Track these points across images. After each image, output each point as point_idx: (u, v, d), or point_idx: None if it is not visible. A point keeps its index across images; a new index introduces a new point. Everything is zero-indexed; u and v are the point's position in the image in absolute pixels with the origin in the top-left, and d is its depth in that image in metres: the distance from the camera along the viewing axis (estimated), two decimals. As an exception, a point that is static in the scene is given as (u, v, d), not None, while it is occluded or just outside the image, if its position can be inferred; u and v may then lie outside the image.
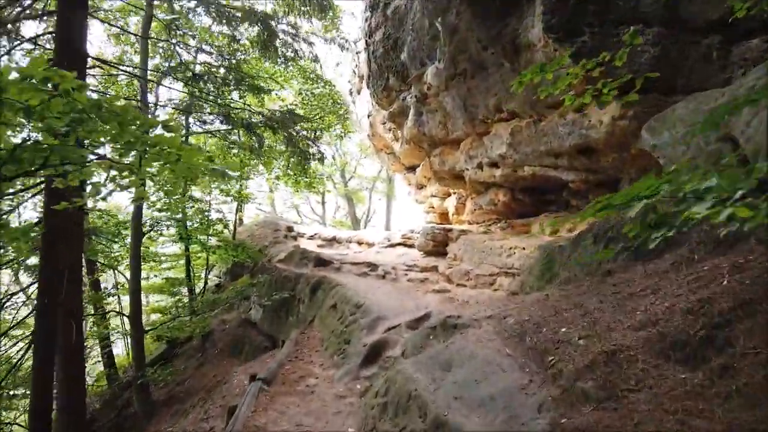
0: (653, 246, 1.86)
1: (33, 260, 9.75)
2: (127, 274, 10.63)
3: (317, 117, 13.27)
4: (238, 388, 6.71)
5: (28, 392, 8.33)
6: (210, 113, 11.74)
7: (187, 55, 12.19)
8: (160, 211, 9.87)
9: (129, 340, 12.49)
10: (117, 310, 13.34)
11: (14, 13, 7.98)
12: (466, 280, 8.58)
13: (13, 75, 2.38)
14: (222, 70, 11.50)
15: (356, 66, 17.12)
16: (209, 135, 13.49)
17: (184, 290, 13.29)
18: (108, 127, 2.81)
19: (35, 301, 6.74)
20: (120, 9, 12.44)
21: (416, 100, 10.53)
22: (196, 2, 11.31)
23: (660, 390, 2.75)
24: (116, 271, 12.51)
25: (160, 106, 12.01)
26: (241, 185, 14.38)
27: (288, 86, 14.90)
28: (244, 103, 12.38)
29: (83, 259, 11.46)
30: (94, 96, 5.05)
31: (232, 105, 11.39)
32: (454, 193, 12.98)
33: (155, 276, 13.52)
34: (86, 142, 3.26)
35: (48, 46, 8.42)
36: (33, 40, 7.63)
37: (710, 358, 2.74)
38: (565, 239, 6.46)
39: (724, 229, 2.57)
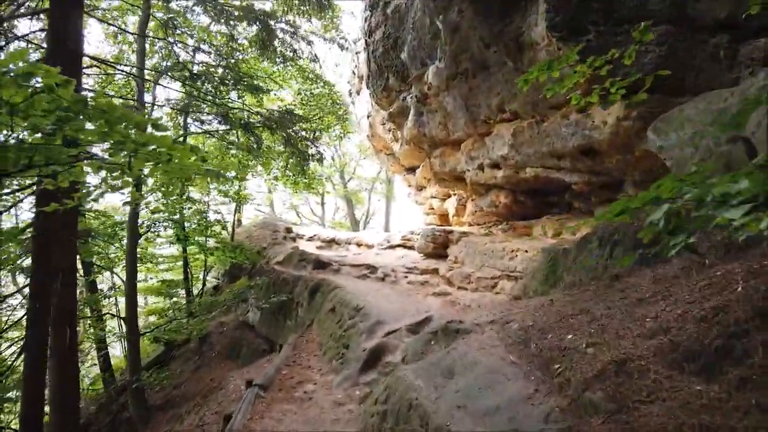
0: (673, 253, 1.73)
1: (29, 261, 9.63)
2: (124, 275, 10.50)
3: (316, 117, 13.14)
4: (234, 393, 6.57)
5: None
6: (208, 113, 11.61)
7: (185, 54, 12.07)
8: (153, 212, 9.73)
9: (125, 343, 12.34)
10: (114, 312, 13.21)
11: (8, 11, 7.86)
12: (467, 283, 8.44)
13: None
14: (220, 70, 11.37)
15: (356, 66, 17.01)
16: (207, 135, 13.36)
17: (182, 292, 13.17)
18: (96, 125, 2.69)
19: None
20: (118, 8, 12.31)
21: (416, 100, 10.40)
22: (194, 1, 11.19)
23: (674, 403, 2.62)
24: (113, 273, 12.37)
25: (158, 105, 11.88)
26: (239, 186, 14.27)
27: (287, 86, 14.78)
28: (243, 104, 12.27)
29: (79, 261, 11.36)
30: (90, 95, 4.93)
31: (230, 105, 11.26)
32: (455, 194, 12.85)
33: (151, 278, 13.38)
34: (77, 142, 3.14)
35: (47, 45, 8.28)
36: (25, 37, 7.49)
37: (727, 369, 2.61)
38: (568, 242, 6.34)
39: (741, 233, 2.46)
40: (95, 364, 13.80)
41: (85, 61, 12.50)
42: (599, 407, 2.87)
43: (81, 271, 12.16)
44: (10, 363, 9.23)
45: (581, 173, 7.21)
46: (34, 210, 8.10)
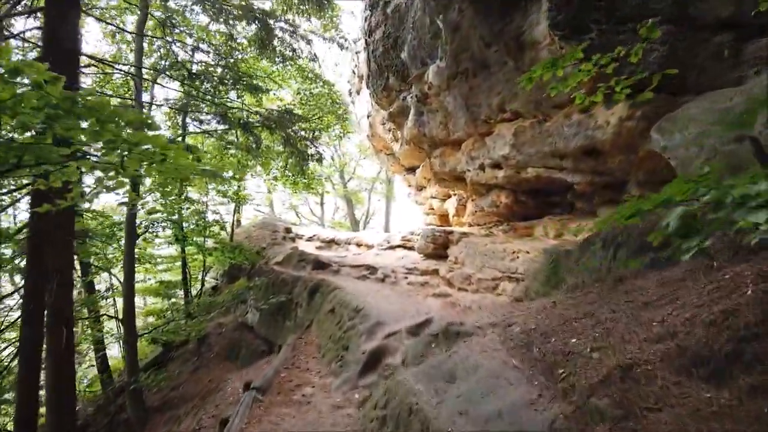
0: (687, 257, 1.65)
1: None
2: (121, 276, 10.41)
3: (316, 117, 13.06)
4: (232, 396, 6.49)
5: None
6: (207, 113, 11.53)
7: (184, 54, 11.99)
8: (149, 213, 9.65)
9: (123, 344, 12.25)
10: (112, 313, 13.11)
11: (4, 9, 7.77)
12: (468, 285, 8.36)
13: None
14: (219, 69, 11.29)
15: (356, 66, 16.93)
16: (206, 135, 13.28)
17: (181, 293, 13.09)
18: (88, 124, 2.61)
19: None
20: (116, 7, 12.22)
21: (416, 99, 10.33)
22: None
23: (683, 410, 2.54)
24: (111, 274, 12.28)
25: (156, 105, 11.80)
26: (238, 186, 14.19)
27: (286, 86, 14.69)
28: (242, 103, 12.19)
29: (77, 262, 11.28)
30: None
31: (228, 104, 11.18)
32: (455, 194, 12.77)
33: (150, 278, 13.30)
34: (69, 141, 3.06)
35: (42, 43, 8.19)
36: (21, 35, 7.41)
37: (737, 375, 2.53)
38: (570, 243, 6.26)
39: (753, 235, 2.38)
40: (92, 365, 13.71)
41: (84, 60, 12.44)
42: (605, 414, 2.79)
43: (79, 272, 12.10)
44: (6, 364, 9.15)
45: (584, 173, 7.13)
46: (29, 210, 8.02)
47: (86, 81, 12.23)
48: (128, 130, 2.56)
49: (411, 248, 12.53)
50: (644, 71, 3.97)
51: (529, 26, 6.55)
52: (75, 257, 9.08)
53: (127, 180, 3.73)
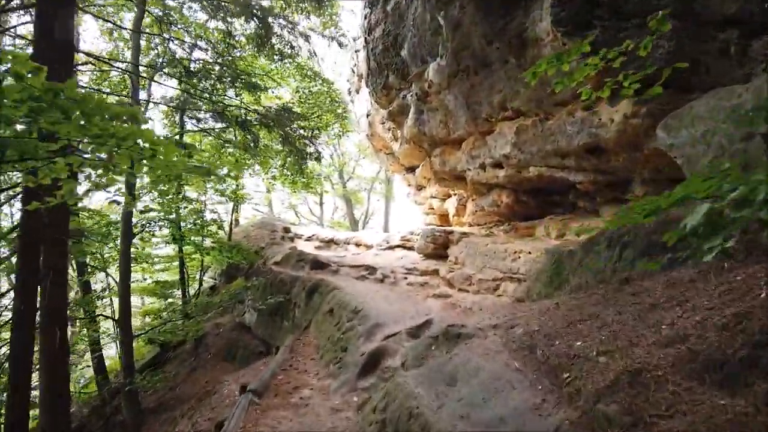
0: (709, 258, 1.54)
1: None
2: (118, 276, 10.29)
3: (315, 116, 12.94)
4: (228, 398, 6.37)
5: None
6: (205, 111, 11.42)
7: (182, 51, 11.87)
8: (143, 212, 9.52)
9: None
10: (108, 313, 12.99)
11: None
12: (468, 285, 8.25)
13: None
14: (217, 67, 11.17)
15: (355, 65, 16.81)
16: (204, 134, 13.16)
17: (178, 293, 12.97)
18: (74, 117, 2.50)
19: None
20: (113, 3, 12.10)
21: (416, 98, 10.22)
22: (190, -4, 11.00)
23: (695, 417, 2.43)
24: (107, 274, 12.16)
25: (154, 103, 11.67)
26: (237, 185, 14.07)
27: (285, 84, 14.57)
28: (241, 101, 12.07)
29: (73, 261, 11.15)
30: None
31: (226, 102, 11.05)
32: (455, 194, 12.66)
33: (146, 278, 13.18)
34: (55, 136, 2.95)
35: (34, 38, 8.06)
36: (14, 29, 7.28)
37: (753, 381, 2.41)
38: (573, 243, 6.15)
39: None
40: (89, 366, 13.59)
41: (82, 58, 12.32)
42: (613, 421, 2.68)
43: (76, 272, 11.99)
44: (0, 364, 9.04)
45: (587, 172, 7.02)
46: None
47: (83, 79, 12.12)
48: (115, 124, 2.44)
49: (410, 248, 12.42)
50: (645, 70, 3.86)
51: (531, 23, 6.44)
52: (70, 256, 8.96)
53: (118, 177, 3.62)
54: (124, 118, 2.28)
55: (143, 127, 2.37)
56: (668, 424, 2.47)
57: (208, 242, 12.38)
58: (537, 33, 6.36)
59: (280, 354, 7.24)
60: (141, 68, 10.33)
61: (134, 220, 10.10)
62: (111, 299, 13.50)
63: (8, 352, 8.93)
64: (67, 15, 6.49)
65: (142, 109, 10.39)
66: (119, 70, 10.50)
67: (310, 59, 12.71)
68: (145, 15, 10.78)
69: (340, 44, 12.77)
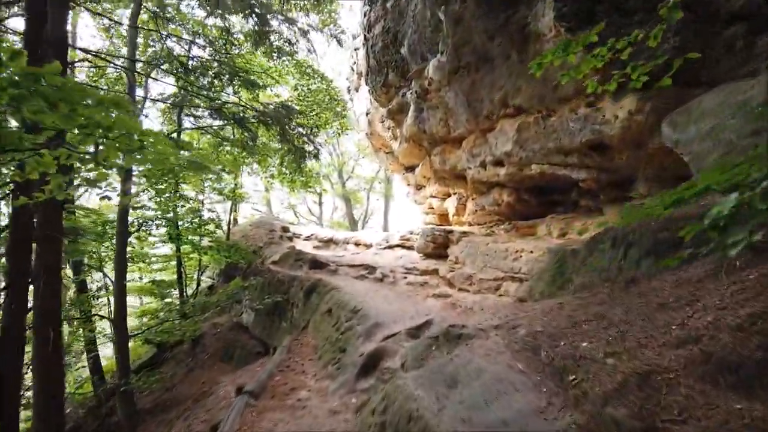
0: (734, 253, 1.42)
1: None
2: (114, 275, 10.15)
3: (314, 114, 12.82)
4: (224, 400, 6.24)
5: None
6: (204, 108, 11.28)
7: (180, 48, 11.73)
8: (135, 208, 9.38)
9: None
10: (105, 313, 12.85)
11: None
12: (469, 285, 8.13)
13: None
14: (215, 64, 11.03)
15: (354, 63, 16.71)
16: (202, 132, 13.03)
17: (176, 292, 12.83)
18: (59, 107, 2.37)
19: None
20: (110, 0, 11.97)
21: (416, 95, 10.10)
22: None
23: (710, 422, 2.31)
24: (103, 273, 12.02)
25: (151, 100, 11.54)
26: (235, 184, 13.95)
27: (283, 82, 14.44)
28: (239, 99, 11.93)
29: (69, 260, 11.02)
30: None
31: (224, 99, 10.92)
32: (455, 193, 12.55)
33: (141, 278, 13.04)
34: (40, 126, 2.82)
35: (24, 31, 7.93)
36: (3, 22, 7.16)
37: (770, 384, 2.30)
38: (576, 242, 6.04)
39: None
40: (84, 366, 13.44)
41: (78, 55, 12.18)
42: (623, 425, 2.56)
43: (72, 271, 11.84)
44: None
45: (590, 170, 6.91)
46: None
47: (80, 77, 11.98)
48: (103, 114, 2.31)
49: (410, 248, 12.31)
50: (649, 67, 3.74)
51: (533, 18, 6.33)
52: (65, 255, 8.84)
53: (108, 172, 3.50)
54: (108, 106, 2.15)
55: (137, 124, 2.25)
56: (681, 430, 2.36)
57: (205, 241, 12.24)
58: (539, 28, 6.25)
59: (278, 354, 7.12)
60: (138, 65, 10.20)
61: (130, 218, 9.97)
62: (108, 299, 13.36)
63: None
64: (60, 11, 6.37)
65: (139, 106, 10.26)
66: (116, 66, 10.36)
67: (309, 55, 12.58)
68: (143, 11, 10.67)
69: (339, 41, 12.64)
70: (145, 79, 11.21)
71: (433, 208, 14.23)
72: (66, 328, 12.74)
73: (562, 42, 2.99)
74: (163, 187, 10.30)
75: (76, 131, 2.63)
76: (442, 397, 3.85)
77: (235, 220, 17.65)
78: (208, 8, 11.10)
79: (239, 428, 4.41)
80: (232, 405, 5.11)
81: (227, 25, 11.15)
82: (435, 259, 10.46)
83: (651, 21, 5.12)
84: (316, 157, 12.01)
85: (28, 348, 7.60)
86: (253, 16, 10.33)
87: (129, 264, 10.99)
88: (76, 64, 11.01)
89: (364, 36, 12.08)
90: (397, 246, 12.93)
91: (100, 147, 2.58)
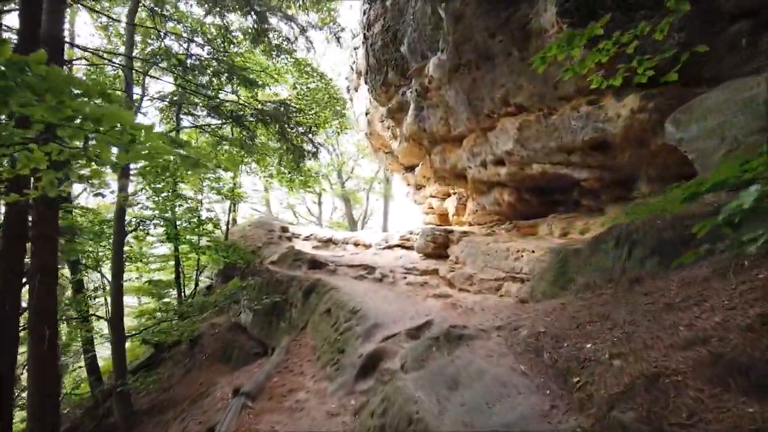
0: (753, 249, 1.34)
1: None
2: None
3: (313, 113, 12.74)
4: (221, 401, 6.15)
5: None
6: (202, 107, 11.19)
7: (178, 46, 11.65)
8: (129, 205, 9.29)
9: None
10: (102, 312, 12.74)
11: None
12: (469, 285, 8.05)
13: None
14: (214, 63, 10.95)
15: (354, 62, 16.65)
16: (200, 131, 12.94)
17: (174, 292, 12.75)
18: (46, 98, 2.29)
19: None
20: (107, -3, 11.88)
21: (416, 94, 10.02)
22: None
23: (721, 426, 2.24)
24: (101, 273, 11.94)
25: (148, 98, 11.46)
26: (234, 184, 13.86)
27: (282, 81, 14.36)
28: (238, 97, 11.85)
29: (66, 260, 10.92)
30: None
31: (221, 98, 10.84)
32: (455, 193, 12.47)
33: (138, 277, 12.95)
34: (29, 120, 2.74)
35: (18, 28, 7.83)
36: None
37: (784, 387, 2.22)
38: (578, 242, 5.96)
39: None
40: (82, 367, 13.35)
41: (76, 53, 12.10)
42: (630, 429, 2.49)
43: (69, 271, 11.75)
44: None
45: (592, 169, 6.83)
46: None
47: (78, 75, 11.89)
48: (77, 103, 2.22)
49: (410, 248, 12.22)
50: (654, 63, 3.66)
51: (535, 14, 6.26)
52: (61, 255, 8.75)
53: (102, 169, 3.41)
54: (93, 95, 2.07)
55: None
56: (691, 434, 2.28)
57: (204, 241, 12.16)
58: (541, 24, 6.17)
59: (276, 355, 7.03)
60: (136, 63, 10.11)
61: (128, 218, 9.89)
62: (105, 299, 13.27)
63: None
64: (57, 8, 6.30)
65: (137, 104, 10.17)
66: (113, 64, 10.27)
67: (308, 54, 12.51)
68: (140, 9, 10.59)
69: (339, 40, 12.57)
70: (143, 77, 11.12)
71: (432, 208, 14.15)
72: (64, 329, 12.65)
73: (566, 34, 2.92)
74: (160, 186, 10.22)
75: (59, 122, 2.55)
76: (443, 400, 3.77)
77: (234, 220, 17.57)
78: (206, 6, 11.03)
79: (236, 430, 4.33)
80: (228, 407, 5.02)
81: (226, 23, 11.06)
82: (435, 259, 10.37)
83: (654, 17, 5.04)
84: (315, 156, 11.94)
85: (23, 348, 7.53)
86: (252, 13, 10.25)
87: (127, 264, 10.91)
88: (74, 63, 10.93)
89: (364, 35, 12.01)
90: (397, 246, 12.84)
91: (90, 142, 2.50)
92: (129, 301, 16.14)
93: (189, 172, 8.93)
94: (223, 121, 10.88)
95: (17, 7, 8.52)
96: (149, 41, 11.83)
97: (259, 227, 16.53)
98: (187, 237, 11.68)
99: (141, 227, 10.24)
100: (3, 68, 2.01)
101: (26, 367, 7.00)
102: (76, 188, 13.66)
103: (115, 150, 2.79)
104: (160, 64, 10.54)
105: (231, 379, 7.32)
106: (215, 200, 13.95)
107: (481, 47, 7.34)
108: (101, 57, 9.72)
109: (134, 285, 13.04)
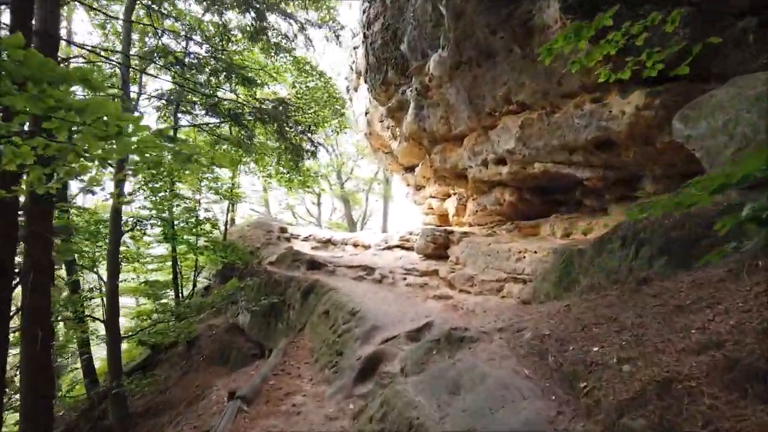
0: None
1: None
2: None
3: (312, 112, 12.63)
4: (216, 404, 6.02)
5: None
6: (200, 105, 11.08)
7: (176, 44, 11.55)
8: (125, 203, 9.15)
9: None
10: (99, 313, 12.61)
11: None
12: (470, 286, 7.93)
13: None
14: (212, 61, 10.84)
15: (353, 62, 16.53)
16: (198, 130, 12.82)
17: (172, 293, 12.62)
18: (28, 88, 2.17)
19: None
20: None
21: (417, 93, 9.90)
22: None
23: (739, 435, 2.11)
24: (97, 274, 11.81)
25: (146, 96, 11.34)
26: (232, 184, 13.75)
27: (281, 80, 14.26)
28: (237, 96, 11.74)
29: (62, 261, 10.79)
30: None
31: (220, 96, 10.72)
32: (455, 193, 12.34)
33: (134, 278, 12.82)
34: (13, 111, 2.62)
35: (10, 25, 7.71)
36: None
37: (805, 394, 2.10)
38: (582, 242, 5.84)
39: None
40: (78, 369, 13.22)
41: (73, 51, 11.98)
42: (641, 438, 2.36)
43: (65, 271, 11.62)
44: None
45: (595, 168, 6.71)
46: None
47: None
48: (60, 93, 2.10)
49: (409, 248, 12.10)
50: (658, 60, 3.54)
51: (538, 10, 6.15)
52: (56, 255, 8.63)
53: (90, 164, 3.29)
54: (72, 81, 1.95)
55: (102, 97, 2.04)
56: (707, 443, 2.16)
57: (202, 242, 12.04)
58: (544, 20, 6.06)
59: (273, 357, 6.90)
60: (133, 61, 10.00)
61: (124, 217, 9.76)
62: (101, 299, 13.14)
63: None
64: (49, 5, 6.18)
65: (134, 102, 10.05)
66: (111, 62, 10.15)
67: (307, 52, 12.40)
68: (138, 7, 10.48)
69: (338, 38, 12.46)
70: (140, 76, 11.00)
71: (432, 208, 14.02)
72: (61, 329, 12.52)
73: (574, 25, 2.80)
74: (158, 185, 10.10)
75: (53, 117, 2.43)
76: (444, 404, 3.65)
77: (233, 220, 17.46)
78: (205, 3, 10.92)
79: (230, 435, 4.20)
80: (223, 411, 4.90)
81: (224, 20, 10.95)
82: (435, 260, 10.25)
83: (661, 12, 4.92)
84: (314, 155, 11.82)
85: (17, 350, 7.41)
86: (251, 11, 10.14)
87: (123, 264, 10.77)
88: (71, 60, 10.81)
89: (364, 33, 11.89)
90: (397, 247, 12.72)
91: (75, 135, 2.38)
92: (126, 301, 16.03)
93: (184, 170, 8.79)
94: (222, 119, 10.77)
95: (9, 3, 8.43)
96: (147, 39, 11.73)
97: (258, 227, 16.43)
98: (185, 237, 11.56)
99: (138, 227, 10.11)
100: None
101: (19, 368, 6.89)
102: (74, 188, 13.53)
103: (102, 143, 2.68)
104: (157, 62, 10.41)
105: (228, 382, 7.20)
106: (213, 200, 13.85)
107: (483, 44, 7.22)
108: (98, 55, 9.60)
109: (131, 285, 12.91)
